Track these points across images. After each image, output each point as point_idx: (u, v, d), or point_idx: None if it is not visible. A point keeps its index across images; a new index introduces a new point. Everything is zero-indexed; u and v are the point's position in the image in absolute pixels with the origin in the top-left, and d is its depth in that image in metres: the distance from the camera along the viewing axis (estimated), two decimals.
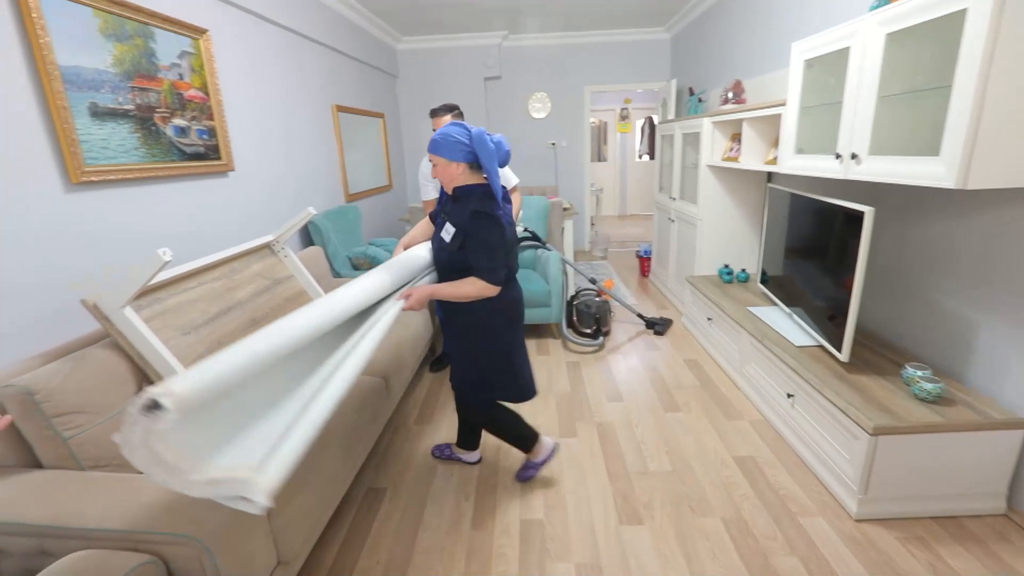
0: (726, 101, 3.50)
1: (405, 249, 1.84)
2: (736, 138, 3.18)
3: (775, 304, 2.65)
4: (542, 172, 5.93)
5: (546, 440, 1.99)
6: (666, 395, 2.64)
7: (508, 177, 2.70)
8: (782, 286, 2.58)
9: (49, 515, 1.18)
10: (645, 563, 1.60)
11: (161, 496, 1.21)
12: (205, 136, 2.33)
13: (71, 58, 1.68)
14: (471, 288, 1.58)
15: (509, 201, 1.75)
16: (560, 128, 5.81)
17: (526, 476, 2.00)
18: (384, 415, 2.15)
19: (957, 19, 1.40)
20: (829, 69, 2.06)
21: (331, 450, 1.65)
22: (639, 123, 8.82)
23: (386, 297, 1.57)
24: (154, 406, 0.85)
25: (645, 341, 3.38)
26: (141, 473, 0.91)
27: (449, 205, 1.67)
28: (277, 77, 3.03)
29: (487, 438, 2.28)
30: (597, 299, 3.44)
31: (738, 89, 3.45)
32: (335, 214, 3.45)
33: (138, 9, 1.95)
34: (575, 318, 3.45)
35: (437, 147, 1.57)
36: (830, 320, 2.04)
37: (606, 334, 3.43)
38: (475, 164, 1.58)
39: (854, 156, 1.84)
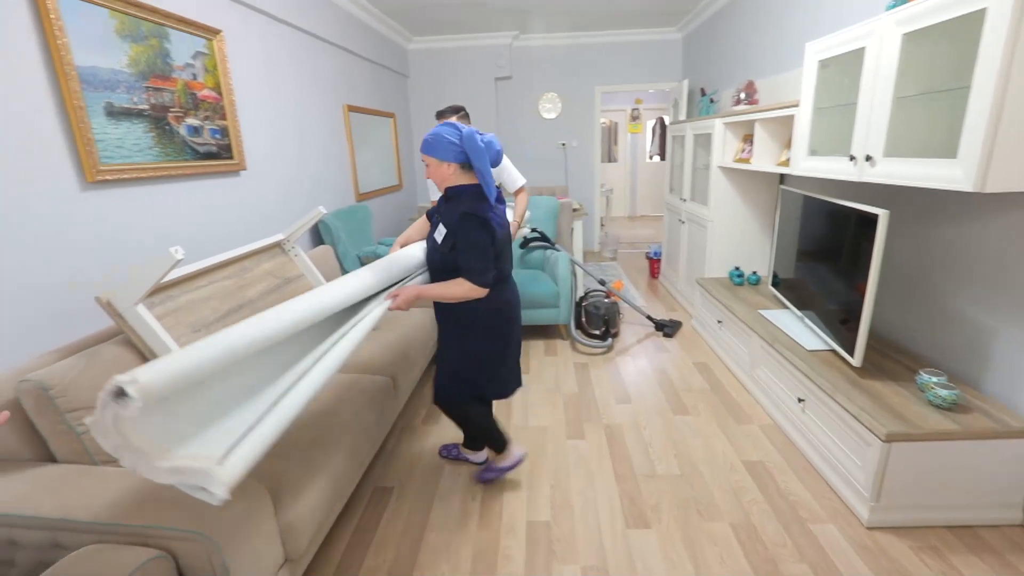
0: (738, 102, 3.47)
1: (401, 247, 1.85)
2: (748, 139, 3.15)
3: (786, 307, 2.62)
4: (552, 172, 5.92)
5: (515, 449, 1.99)
6: (675, 398, 2.62)
7: (514, 178, 2.69)
8: (794, 289, 2.55)
9: (62, 509, 1.20)
10: (652, 567, 1.59)
11: (171, 492, 1.22)
12: (217, 136, 2.35)
13: (88, 58, 1.71)
14: (458, 289, 1.58)
15: (503, 201, 1.75)
16: (570, 128, 5.79)
17: (486, 477, 2.00)
18: (392, 414, 2.16)
19: (976, 19, 1.37)
20: (844, 69, 2.04)
21: (339, 449, 1.66)
22: (650, 123, 8.77)
23: (373, 296, 1.58)
24: (120, 393, 0.87)
25: (654, 343, 3.36)
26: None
27: (443, 205, 1.68)
28: (289, 77, 3.05)
29: None
30: (606, 300, 3.43)
31: (750, 90, 3.41)
32: (345, 213, 3.46)
33: (154, 10, 1.97)
34: (584, 319, 3.43)
35: (429, 147, 1.58)
36: (843, 324, 2.01)
37: (615, 336, 3.42)
38: (467, 164, 1.58)
39: (868, 158, 1.81)
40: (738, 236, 3.39)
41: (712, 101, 4.21)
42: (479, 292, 1.59)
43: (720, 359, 3.05)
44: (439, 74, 5.47)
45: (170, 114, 2.07)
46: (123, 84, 1.85)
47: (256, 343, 1.16)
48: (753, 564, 1.58)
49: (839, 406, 1.81)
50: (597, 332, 3.36)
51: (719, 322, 3.05)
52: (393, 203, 4.89)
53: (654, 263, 4.96)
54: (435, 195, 2.72)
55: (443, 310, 1.76)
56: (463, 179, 1.61)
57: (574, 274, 3.48)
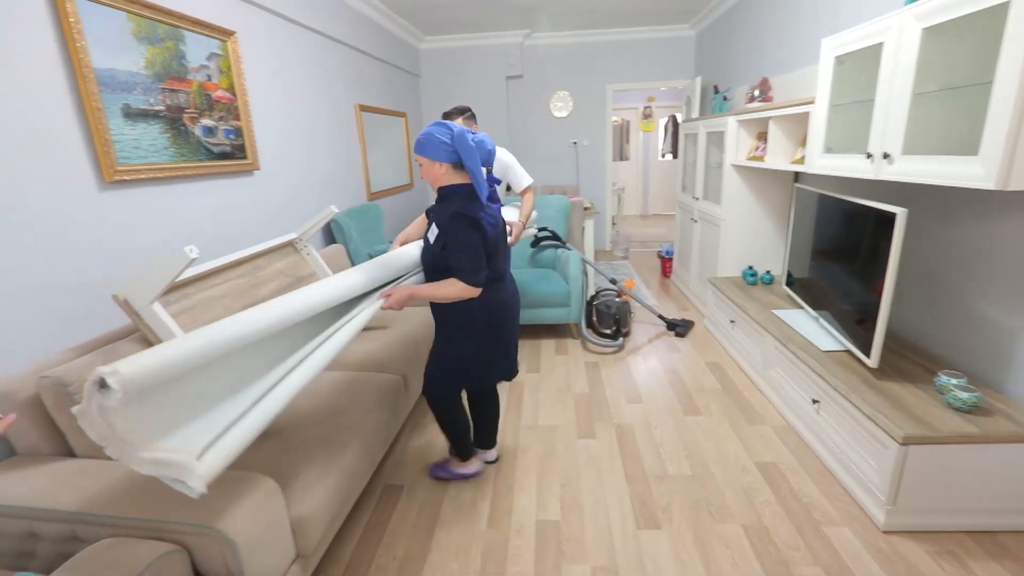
0: (752, 99, 3.43)
1: (401, 246, 1.86)
2: (762, 137, 3.11)
3: (801, 307, 2.59)
4: (563, 171, 5.90)
5: (476, 463, 2.02)
6: (686, 398, 2.60)
7: (520, 177, 2.68)
8: (808, 289, 2.51)
9: (80, 502, 1.23)
10: (663, 568, 1.58)
11: None
12: (232, 136, 2.38)
13: (106, 61, 1.74)
14: (451, 289, 1.58)
15: (497, 201, 1.74)
16: (582, 127, 5.77)
17: (438, 475, 2.03)
18: (402, 413, 2.17)
19: (999, 12, 1.34)
20: (861, 65, 2.00)
21: (350, 446, 1.67)
22: (662, 121, 8.70)
23: (365, 295, 1.59)
24: (103, 384, 0.89)
25: (666, 343, 3.34)
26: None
27: (437, 205, 1.68)
28: (302, 77, 3.08)
29: (504, 437, 2.29)
30: (617, 300, 3.41)
31: (765, 87, 3.37)
32: (357, 212, 3.49)
33: (169, 12, 2.00)
34: (595, 318, 3.42)
35: (421, 147, 1.58)
36: (859, 324, 1.97)
37: (626, 335, 3.40)
38: (459, 164, 1.57)
39: (886, 155, 1.77)
40: (751, 235, 3.35)
41: (725, 99, 4.16)
42: (472, 292, 1.59)
43: (733, 359, 3.02)
44: (450, 73, 5.48)
45: (185, 115, 2.10)
46: (140, 86, 1.88)
47: (241, 339, 1.18)
48: (765, 566, 1.56)
49: (855, 408, 1.78)
50: (608, 331, 3.34)
51: (732, 322, 3.02)
52: (404, 202, 4.91)
53: (666, 262, 4.92)
54: None
55: (438, 308, 1.77)
56: (455, 179, 1.61)
57: (585, 273, 3.46)
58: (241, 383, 1.23)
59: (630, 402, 2.58)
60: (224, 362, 1.17)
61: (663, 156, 8.83)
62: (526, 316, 3.36)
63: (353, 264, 3.21)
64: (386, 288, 1.63)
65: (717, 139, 3.55)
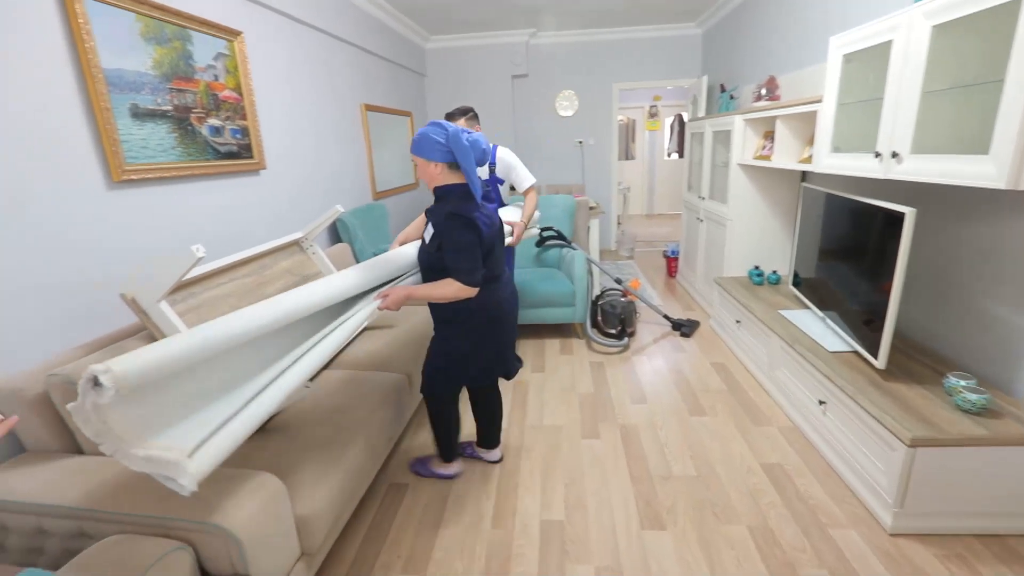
0: (759, 98, 3.41)
1: (401, 245, 1.87)
2: (769, 136, 3.09)
3: (807, 307, 2.57)
4: (569, 170, 5.89)
5: (456, 467, 2.04)
6: (691, 398, 2.59)
7: (523, 177, 2.68)
8: (815, 289, 2.49)
9: (88, 499, 1.24)
10: (667, 568, 1.57)
11: None
12: (238, 135, 2.40)
13: (114, 61, 1.75)
14: (448, 289, 1.58)
15: (493, 201, 1.74)
16: (587, 126, 5.75)
17: (417, 470, 2.06)
18: (407, 411, 2.18)
19: (1011, 9, 1.32)
20: (869, 64, 1.98)
21: (355, 445, 1.67)
22: (668, 120, 8.66)
23: (362, 295, 1.59)
24: (96, 382, 0.91)
25: (671, 343, 3.32)
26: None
27: (434, 205, 1.68)
28: (308, 77, 3.09)
29: (508, 437, 2.29)
30: (623, 299, 3.40)
31: (772, 85, 3.34)
32: (362, 212, 3.50)
33: (177, 13, 2.01)
34: (600, 318, 3.41)
35: (416, 147, 1.58)
36: (866, 325, 1.96)
37: (631, 335, 3.39)
38: (454, 164, 1.57)
39: (895, 155, 1.76)
40: (758, 234, 3.33)
41: (732, 97, 4.14)
42: (468, 292, 1.59)
43: (738, 360, 3.00)
44: (456, 73, 5.49)
45: (192, 115, 2.11)
46: (148, 86, 1.89)
47: (235, 338, 1.18)
48: (771, 568, 1.55)
49: (862, 409, 1.76)
50: (613, 331, 3.34)
51: (738, 322, 3.00)
52: (409, 201, 4.92)
53: (671, 262, 4.90)
54: None
55: (435, 307, 1.78)
56: (451, 178, 1.61)
57: (590, 273, 3.45)
58: (234, 382, 1.23)
59: (635, 402, 2.58)
60: (218, 361, 1.17)
61: (669, 155, 8.79)
62: (531, 315, 3.36)
63: (358, 263, 3.22)
64: (383, 288, 1.64)
65: (724, 138, 3.53)
